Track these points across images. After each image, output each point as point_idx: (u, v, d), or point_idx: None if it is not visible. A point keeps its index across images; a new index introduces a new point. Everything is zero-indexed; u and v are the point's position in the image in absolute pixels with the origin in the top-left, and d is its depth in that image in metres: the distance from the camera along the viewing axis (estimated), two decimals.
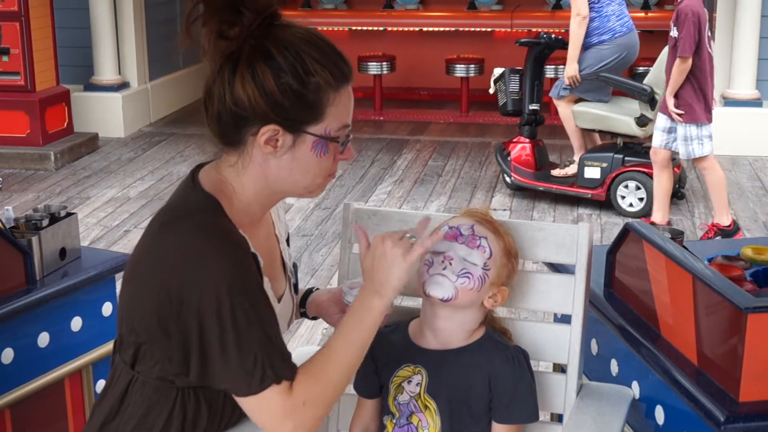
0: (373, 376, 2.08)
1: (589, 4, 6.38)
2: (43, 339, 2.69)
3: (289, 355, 1.75)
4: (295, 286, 2.09)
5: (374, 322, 1.81)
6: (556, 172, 6.64)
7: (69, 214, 2.86)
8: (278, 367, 1.71)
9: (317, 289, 2.20)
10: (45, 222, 2.76)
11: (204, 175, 1.83)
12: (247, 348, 1.69)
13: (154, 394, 1.78)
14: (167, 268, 1.70)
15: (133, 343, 1.77)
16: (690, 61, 5.53)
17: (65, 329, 2.76)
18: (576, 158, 6.61)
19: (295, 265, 2.10)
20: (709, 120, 5.66)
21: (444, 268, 1.96)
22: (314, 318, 2.18)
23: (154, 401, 1.78)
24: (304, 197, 2.10)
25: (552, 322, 2.33)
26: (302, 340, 4.35)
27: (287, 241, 2.07)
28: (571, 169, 6.61)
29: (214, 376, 1.71)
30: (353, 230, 1.96)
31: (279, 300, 1.92)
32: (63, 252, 2.80)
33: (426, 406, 2.02)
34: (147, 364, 1.77)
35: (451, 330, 2.02)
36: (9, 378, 2.59)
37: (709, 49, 5.64)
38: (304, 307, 2.17)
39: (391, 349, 2.05)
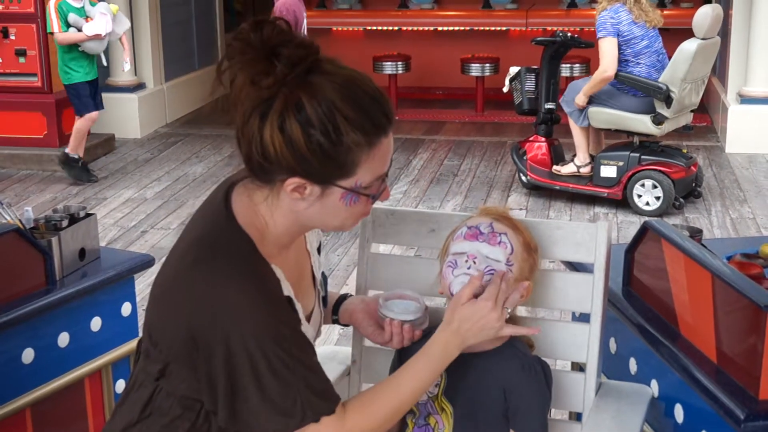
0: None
1: (623, 57, 6.26)
2: (63, 339, 2.70)
3: (329, 386, 1.74)
4: (324, 299, 2.06)
5: (443, 368, 1.87)
6: (556, 169, 6.62)
7: (88, 215, 2.87)
8: (316, 405, 1.70)
9: (350, 295, 2.18)
10: (65, 223, 2.78)
11: (238, 203, 1.78)
12: (284, 393, 1.67)
13: (178, 406, 1.77)
14: (196, 311, 1.68)
15: (161, 360, 1.76)
16: None
17: (85, 329, 2.78)
18: (578, 158, 6.57)
19: (324, 276, 2.07)
20: None
21: (469, 268, 1.96)
22: (346, 325, 2.16)
23: (177, 414, 1.77)
24: (336, 231, 2.07)
25: (570, 320, 2.33)
26: (319, 341, 4.34)
27: (318, 250, 2.04)
28: (568, 168, 6.57)
29: (242, 422, 1.70)
30: (471, 280, 1.93)
31: (308, 320, 1.90)
32: (82, 252, 2.82)
33: (443, 409, 2.02)
34: (173, 381, 1.76)
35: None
36: (29, 378, 2.61)
37: None
38: (337, 314, 2.15)
39: (415, 349, 2.05)
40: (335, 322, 2.15)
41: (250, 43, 1.65)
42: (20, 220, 2.71)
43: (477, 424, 2.00)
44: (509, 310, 1.91)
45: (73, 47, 6.90)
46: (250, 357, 1.65)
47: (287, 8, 6.03)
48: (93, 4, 7.00)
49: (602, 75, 6.22)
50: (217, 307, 1.66)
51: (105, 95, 8.51)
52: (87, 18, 6.91)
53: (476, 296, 1.89)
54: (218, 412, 1.71)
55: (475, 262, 1.96)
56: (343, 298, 2.16)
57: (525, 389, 1.98)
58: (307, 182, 1.68)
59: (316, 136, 1.63)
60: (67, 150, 7.19)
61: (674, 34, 6.43)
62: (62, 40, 6.86)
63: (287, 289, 1.77)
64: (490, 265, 1.96)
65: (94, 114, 7.12)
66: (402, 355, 2.04)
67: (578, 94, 6.44)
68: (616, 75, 6.25)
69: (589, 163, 6.54)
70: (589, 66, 7.24)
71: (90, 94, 7.07)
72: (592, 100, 6.40)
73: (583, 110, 6.44)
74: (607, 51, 6.17)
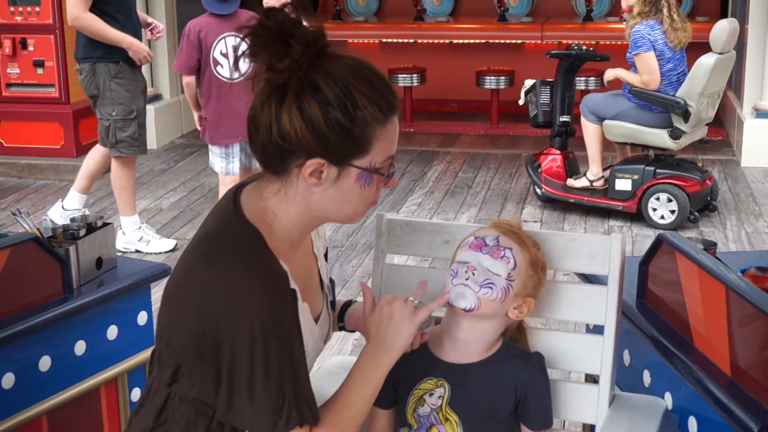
0: (390, 388, 2.09)
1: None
2: (80, 347, 2.72)
3: (313, 399, 1.77)
4: (332, 303, 2.08)
5: (382, 377, 1.88)
6: (569, 182, 6.62)
7: (105, 224, 2.90)
8: (303, 410, 1.73)
9: (355, 301, 2.20)
10: (82, 232, 2.80)
11: (246, 199, 1.82)
12: (277, 388, 1.70)
13: (192, 412, 1.79)
14: (207, 300, 1.71)
15: (173, 364, 1.78)
16: (189, 78, 5.68)
17: (101, 338, 2.80)
18: (590, 172, 6.57)
19: (332, 281, 2.09)
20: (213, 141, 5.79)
21: (467, 278, 1.98)
22: (352, 331, 2.18)
23: (191, 419, 1.79)
24: (344, 223, 2.11)
25: (584, 332, 2.33)
26: (333, 351, 4.37)
27: (325, 256, 2.07)
28: (581, 182, 6.58)
29: (237, 415, 1.72)
30: (362, 288, 1.97)
31: (316, 321, 1.92)
32: (99, 261, 2.84)
33: (447, 419, 2.03)
34: (185, 385, 1.78)
35: (471, 341, 2.03)
36: (46, 385, 2.63)
37: (218, 73, 5.65)
38: (343, 321, 2.17)
39: (411, 362, 2.05)
40: (341, 328, 2.17)
41: (265, 26, 1.70)
42: (38, 229, 2.73)
43: (487, 429, 2.01)
44: (416, 301, 1.91)
45: None
46: (251, 344, 1.68)
47: (191, 29, 5.67)
48: None
49: (643, 87, 6.24)
50: (225, 298, 1.69)
51: None
52: None
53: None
54: (218, 404, 1.73)
55: (474, 274, 1.98)
56: (349, 304, 2.18)
57: (538, 385, 2.02)
58: (325, 163, 1.73)
59: (335, 113, 1.69)
60: None
61: (689, 48, 6.42)
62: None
63: (293, 284, 1.79)
64: (489, 278, 1.98)
65: None
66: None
67: (595, 104, 6.48)
68: (633, 90, 6.26)
69: (602, 176, 6.55)
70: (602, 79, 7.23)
71: None
72: (609, 114, 6.41)
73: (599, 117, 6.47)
74: (651, 65, 6.17)
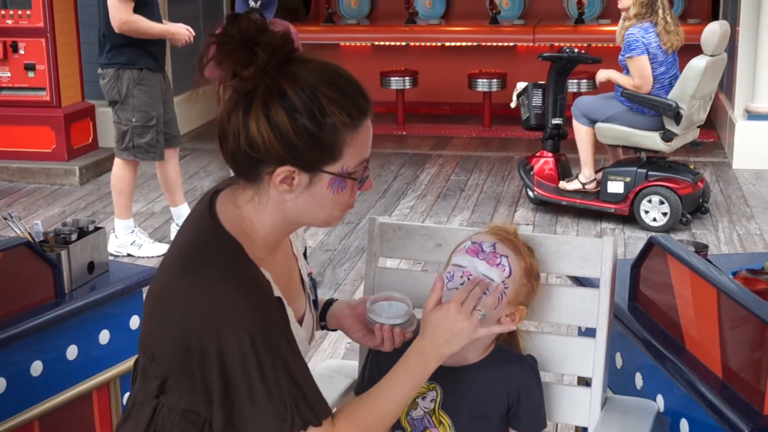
0: None
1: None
2: (72, 352, 2.72)
3: (320, 399, 1.75)
4: (314, 302, 2.07)
5: (425, 378, 1.85)
6: (562, 185, 6.63)
7: (97, 229, 2.90)
8: (306, 414, 1.71)
9: (337, 300, 2.18)
10: (74, 236, 2.80)
11: (222, 207, 1.79)
12: (277, 397, 1.68)
13: (182, 422, 1.77)
14: (188, 315, 1.69)
15: (159, 376, 1.76)
16: None
17: (93, 342, 2.79)
18: (582, 175, 6.58)
19: (313, 280, 2.08)
20: None
21: (462, 283, 1.98)
22: (334, 330, 2.17)
23: (181, 428, 1.77)
24: (321, 227, 2.09)
25: (576, 335, 2.34)
26: (326, 355, 4.37)
27: (305, 255, 2.06)
28: (573, 184, 6.58)
29: (241, 426, 1.71)
30: (436, 279, 1.92)
31: (300, 322, 1.91)
32: (91, 266, 2.84)
33: (440, 422, 2.03)
34: (173, 397, 1.77)
35: (465, 346, 2.03)
36: (38, 390, 2.63)
37: None
38: (324, 320, 2.16)
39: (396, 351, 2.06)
40: (323, 327, 2.16)
41: (229, 34, 1.68)
42: (30, 234, 2.73)
43: (482, 431, 2.01)
44: (482, 313, 1.89)
45: None
46: (243, 358, 1.66)
47: None
48: None
49: (635, 90, 6.25)
50: (207, 311, 1.67)
51: None
52: None
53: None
54: (214, 418, 1.71)
55: (469, 279, 1.97)
56: (331, 302, 2.16)
57: (530, 388, 2.03)
58: (295, 170, 1.71)
59: (302, 121, 1.67)
60: None
61: (681, 50, 6.43)
62: None
63: (278, 292, 1.77)
64: None
65: None
66: (380, 356, 2.06)
67: (587, 107, 6.49)
68: (625, 93, 6.27)
69: (594, 179, 6.55)
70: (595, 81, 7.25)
71: None
72: (601, 117, 6.42)
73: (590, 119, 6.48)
74: (644, 69, 6.17)
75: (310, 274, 2.08)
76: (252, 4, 5.18)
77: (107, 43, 5.70)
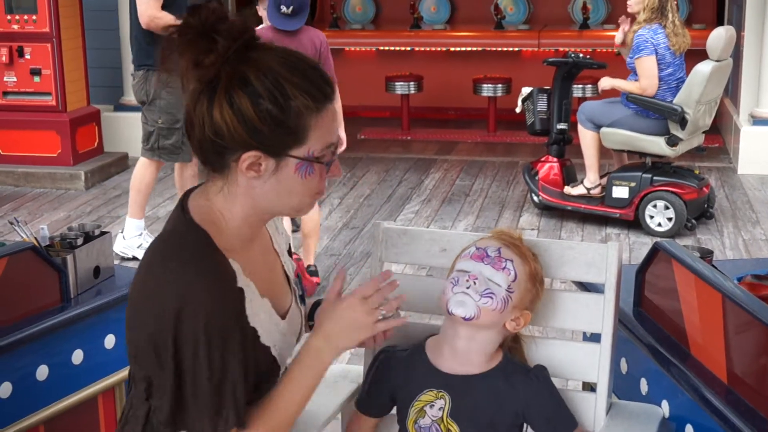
0: (384, 397, 2.09)
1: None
2: (77, 356, 2.72)
3: (244, 402, 1.76)
4: (302, 297, 2.07)
5: (323, 373, 1.84)
6: (567, 190, 6.63)
7: (103, 233, 2.90)
8: (240, 413, 1.73)
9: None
10: (80, 241, 2.80)
11: (193, 202, 1.82)
12: (221, 389, 1.70)
13: None
14: (154, 307, 1.70)
15: (143, 378, 1.77)
16: None
17: (99, 346, 2.80)
18: (587, 180, 6.57)
19: (298, 276, 2.09)
20: None
21: (468, 287, 1.98)
22: None
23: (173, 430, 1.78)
24: (292, 216, 2.08)
25: (581, 341, 2.34)
26: None
27: (289, 252, 2.06)
28: (578, 189, 6.58)
29: (184, 416, 1.72)
30: (337, 273, 1.94)
31: (284, 317, 1.91)
32: (97, 270, 2.84)
33: (448, 430, 2.03)
34: (158, 397, 1.76)
35: (470, 351, 2.04)
36: (44, 394, 2.63)
37: None
38: (313, 320, 2.15)
39: (411, 373, 2.06)
40: (311, 327, 2.16)
41: (189, 25, 1.70)
42: (36, 238, 2.74)
43: None
44: (384, 312, 1.86)
45: None
46: (195, 341, 1.67)
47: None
48: None
49: (641, 93, 6.24)
50: (169, 300, 1.69)
51: (118, 114, 8.59)
52: None
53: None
54: (162, 404, 1.72)
55: (475, 283, 1.98)
56: (319, 303, 2.16)
57: (540, 395, 2.02)
58: (261, 155, 1.72)
59: (266, 105, 1.69)
60: None
61: (687, 55, 6.43)
62: None
63: (243, 282, 1.78)
64: (489, 288, 1.98)
65: None
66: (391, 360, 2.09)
67: (592, 112, 6.48)
68: (630, 97, 6.27)
69: (599, 184, 6.55)
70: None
71: None
72: (606, 122, 6.42)
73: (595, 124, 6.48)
74: (650, 70, 6.17)
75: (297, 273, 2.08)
76: (284, 10, 5.18)
77: (138, 44, 5.78)
